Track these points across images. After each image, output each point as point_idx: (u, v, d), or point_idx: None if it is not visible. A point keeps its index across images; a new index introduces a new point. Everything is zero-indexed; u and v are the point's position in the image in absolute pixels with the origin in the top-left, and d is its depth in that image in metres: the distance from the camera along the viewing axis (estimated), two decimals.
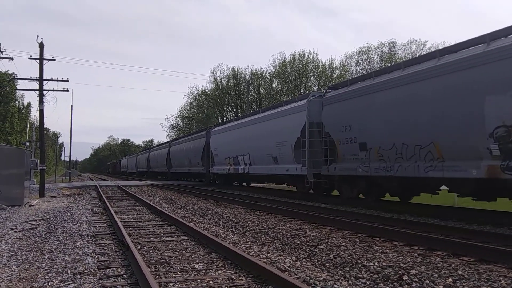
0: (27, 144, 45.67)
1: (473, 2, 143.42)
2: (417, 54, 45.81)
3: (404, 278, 5.87)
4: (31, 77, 24.47)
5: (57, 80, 24.97)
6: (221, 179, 33.43)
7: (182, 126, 76.36)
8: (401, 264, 6.57)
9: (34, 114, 79.30)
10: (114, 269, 6.72)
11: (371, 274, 6.26)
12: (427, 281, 5.70)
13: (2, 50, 32.22)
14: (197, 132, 42.72)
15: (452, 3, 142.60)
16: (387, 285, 5.71)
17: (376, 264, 6.69)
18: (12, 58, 32.56)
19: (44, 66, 24.05)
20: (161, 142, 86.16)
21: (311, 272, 6.41)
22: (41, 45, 23.77)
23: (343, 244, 8.38)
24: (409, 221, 11.07)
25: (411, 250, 8.03)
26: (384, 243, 8.76)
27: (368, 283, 5.91)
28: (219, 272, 6.46)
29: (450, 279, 5.75)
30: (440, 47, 18.84)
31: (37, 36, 23.65)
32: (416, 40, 48.84)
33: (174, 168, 46.97)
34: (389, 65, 30.90)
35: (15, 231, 10.82)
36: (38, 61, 23.96)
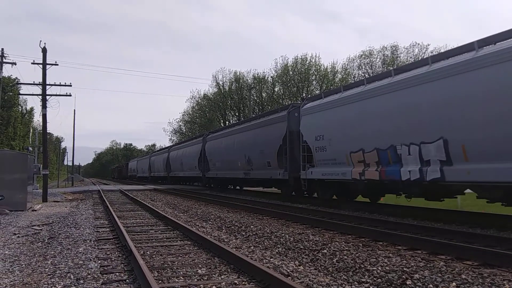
0: (30, 149, 45.74)
1: (476, 5, 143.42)
2: (420, 57, 45.81)
3: (408, 283, 5.86)
4: (34, 82, 24.61)
5: (60, 85, 25.02)
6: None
7: (184, 130, 76.49)
8: (405, 269, 6.55)
9: (37, 119, 79.49)
10: (117, 274, 6.72)
11: (374, 278, 6.24)
12: (431, 286, 5.68)
13: (5, 55, 32.36)
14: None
15: (455, 7, 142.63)
16: None
17: (380, 268, 6.67)
18: (15, 63, 32.77)
19: (47, 71, 24.19)
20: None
21: (314, 277, 6.39)
22: (44, 50, 23.87)
23: (346, 248, 8.36)
24: (412, 225, 11.03)
25: (414, 254, 8.01)
26: (387, 247, 8.74)
27: (371, 287, 5.89)
28: (222, 277, 6.45)
29: (454, 284, 5.72)
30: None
31: (40, 41, 23.72)
32: (418, 44, 48.92)
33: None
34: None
35: (18, 236, 10.83)
36: (41, 66, 24.07)
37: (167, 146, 62.52)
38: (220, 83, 65.79)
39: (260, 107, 59.45)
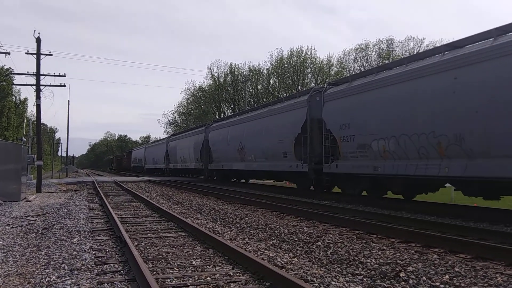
0: (24, 139, 45.56)
1: (472, 0, 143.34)
2: (415, 51, 45.81)
3: (401, 275, 5.89)
4: (28, 72, 24.44)
5: (54, 75, 24.93)
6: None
7: (179, 122, 76.34)
8: (398, 261, 6.58)
9: (31, 109, 79.42)
10: (112, 265, 6.72)
11: (368, 270, 6.27)
12: (424, 278, 5.72)
13: None
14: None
15: (450, 1, 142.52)
16: (384, 282, 5.72)
17: (373, 261, 6.70)
18: (9, 53, 32.40)
19: (41, 61, 24.05)
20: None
21: (308, 269, 6.42)
22: (38, 40, 23.70)
23: (340, 240, 8.39)
24: (406, 218, 11.08)
25: (408, 247, 8.05)
26: (381, 240, 8.78)
27: (365, 279, 5.92)
28: (217, 268, 6.47)
29: (447, 276, 5.76)
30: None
31: (34, 31, 23.64)
32: (413, 38, 48.88)
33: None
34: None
35: (12, 227, 10.80)
36: (35, 56, 23.91)
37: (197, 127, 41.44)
38: (215, 75, 65.63)
39: (255, 99, 59.34)
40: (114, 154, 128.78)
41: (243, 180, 32.07)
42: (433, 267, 6.22)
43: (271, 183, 29.15)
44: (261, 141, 22.99)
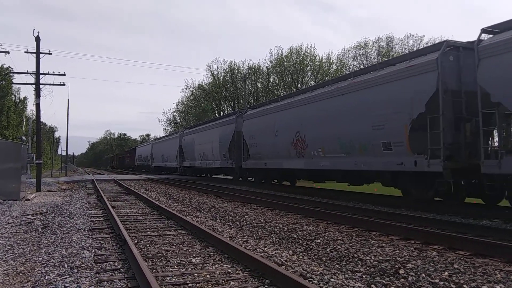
0: (24, 138, 45.54)
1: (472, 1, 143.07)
2: (414, 49, 45.76)
3: (401, 272, 5.90)
4: (27, 71, 24.39)
5: (54, 74, 24.89)
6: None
7: (179, 120, 76.31)
8: (398, 258, 6.59)
9: (31, 108, 79.02)
10: (111, 263, 6.73)
11: (367, 268, 6.28)
12: (423, 275, 5.72)
13: None
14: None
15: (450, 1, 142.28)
16: (384, 279, 5.73)
17: (373, 258, 6.71)
18: (8, 52, 32.39)
19: (41, 60, 24.00)
20: (158, 136, 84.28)
21: (308, 266, 6.43)
22: (38, 39, 23.67)
23: (340, 238, 8.40)
24: (406, 215, 11.10)
25: (407, 244, 8.06)
26: (381, 237, 8.79)
27: (364, 276, 5.93)
28: (216, 266, 6.47)
29: (446, 273, 5.77)
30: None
31: (34, 29, 23.48)
32: (413, 35, 48.79)
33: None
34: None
35: (12, 226, 10.81)
36: (34, 55, 23.87)
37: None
38: (215, 73, 65.57)
39: (255, 97, 59.31)
40: (115, 152, 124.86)
41: (287, 182, 25.78)
42: (432, 264, 6.23)
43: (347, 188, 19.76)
44: (338, 128, 16.61)
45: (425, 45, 40.55)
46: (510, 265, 6.31)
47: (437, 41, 37.84)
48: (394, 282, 5.58)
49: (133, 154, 78.55)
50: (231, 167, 28.69)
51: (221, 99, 65.90)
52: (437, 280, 5.50)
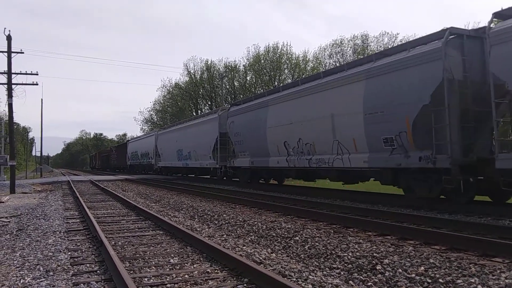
0: None
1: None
2: (389, 46, 46.34)
3: (378, 268, 5.97)
4: None
5: (26, 74, 24.37)
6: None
7: (156, 119, 75.72)
8: (375, 254, 6.66)
9: (3, 108, 77.46)
10: (88, 265, 6.64)
11: (345, 264, 6.33)
12: (400, 270, 5.80)
13: None
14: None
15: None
16: (361, 275, 5.79)
17: (350, 254, 6.77)
18: None
19: (12, 59, 23.49)
20: (135, 136, 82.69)
21: (286, 264, 6.45)
22: (9, 38, 23.17)
23: (318, 235, 8.45)
24: (382, 212, 11.22)
25: (384, 240, 8.15)
26: (358, 234, 8.87)
27: (342, 273, 5.98)
28: (195, 265, 6.45)
29: (422, 268, 5.86)
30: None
31: (5, 28, 23.03)
32: (388, 33, 49.42)
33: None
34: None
35: None
36: (6, 54, 23.37)
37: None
38: (192, 71, 65.25)
39: (233, 95, 59.21)
40: (97, 150, 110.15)
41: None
42: (408, 259, 6.31)
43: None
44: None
45: (399, 42, 41.04)
46: (484, 259, 6.45)
47: (410, 39, 38.26)
48: (371, 278, 5.64)
49: (122, 150, 64.71)
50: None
51: (198, 97, 65.61)
52: (413, 275, 5.58)
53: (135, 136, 75.47)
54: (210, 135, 27.92)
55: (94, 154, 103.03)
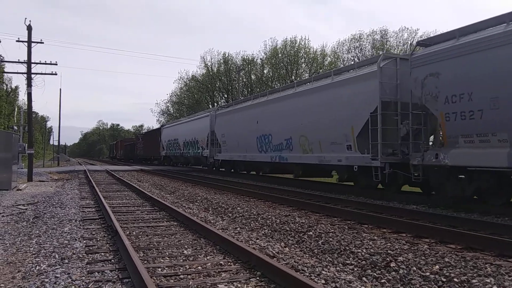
0: (15, 128, 45.15)
1: None
2: (409, 42, 45.83)
3: (392, 265, 5.92)
4: (19, 60, 24.23)
5: (46, 63, 24.65)
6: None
7: (172, 111, 76.07)
8: (389, 251, 6.61)
9: (22, 97, 78.49)
10: (102, 254, 6.70)
11: (359, 260, 6.30)
12: (414, 268, 5.74)
13: None
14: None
15: None
16: (375, 272, 5.75)
17: (364, 250, 6.73)
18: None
19: (32, 49, 23.77)
20: (152, 128, 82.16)
21: (299, 258, 6.43)
22: (29, 28, 23.42)
23: (332, 230, 8.41)
24: (398, 209, 11.14)
25: (399, 237, 8.09)
26: (373, 230, 8.82)
27: (356, 269, 5.94)
28: (208, 257, 6.47)
29: (437, 266, 5.80)
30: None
31: (25, 18, 23.30)
32: (407, 28, 48.89)
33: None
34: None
35: (3, 216, 10.74)
36: (26, 44, 23.64)
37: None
38: (209, 64, 65.34)
39: (249, 89, 59.18)
40: (119, 139, 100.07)
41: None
42: (423, 258, 6.25)
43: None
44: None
45: (419, 38, 40.51)
46: (500, 259, 6.36)
47: (431, 35, 37.74)
48: (385, 275, 5.60)
49: (152, 138, 53.66)
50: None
51: (214, 90, 65.73)
52: (428, 274, 5.53)
53: (152, 128, 70.54)
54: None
55: (116, 143, 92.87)
